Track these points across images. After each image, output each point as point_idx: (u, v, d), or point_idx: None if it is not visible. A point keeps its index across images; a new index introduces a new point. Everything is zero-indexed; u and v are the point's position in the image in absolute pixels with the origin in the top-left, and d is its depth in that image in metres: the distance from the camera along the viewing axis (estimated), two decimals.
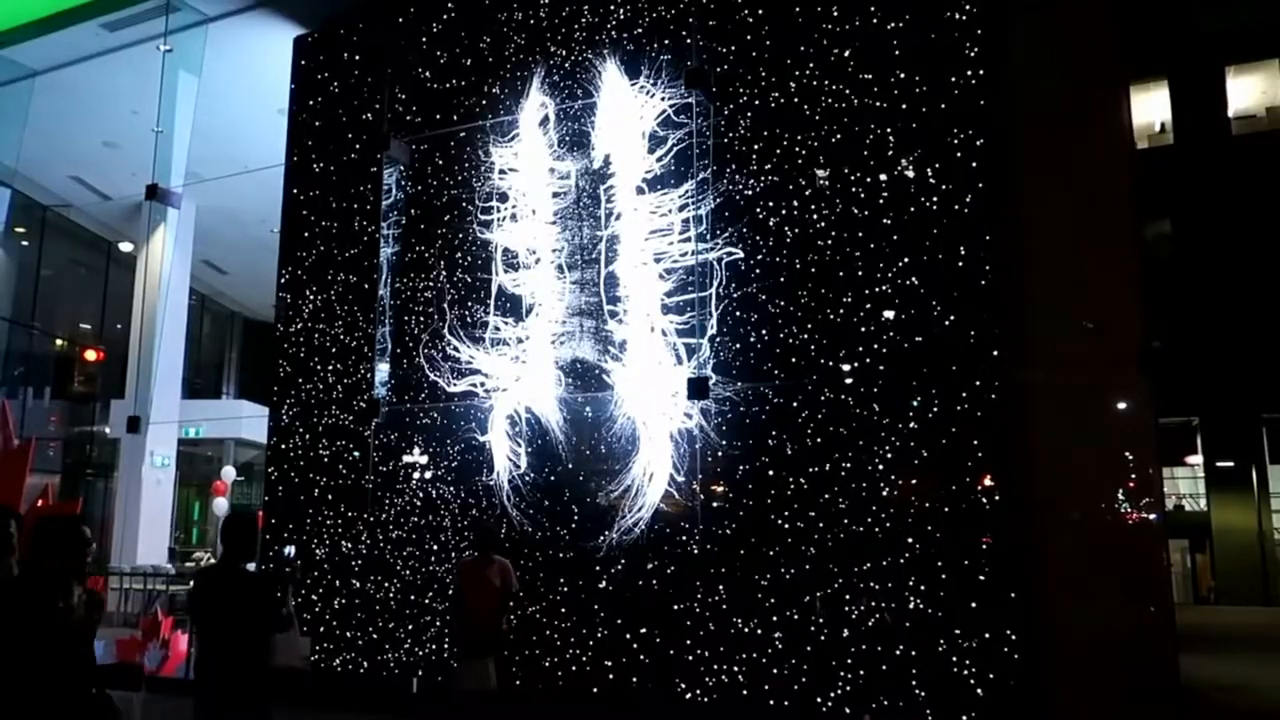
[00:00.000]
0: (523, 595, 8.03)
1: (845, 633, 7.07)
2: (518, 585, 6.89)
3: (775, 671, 7.24)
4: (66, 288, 19.83)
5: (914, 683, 6.81)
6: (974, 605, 6.73)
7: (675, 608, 7.66)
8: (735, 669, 7.37)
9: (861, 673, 6.97)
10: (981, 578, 6.75)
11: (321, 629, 9.07)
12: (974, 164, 7.27)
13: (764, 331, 7.74)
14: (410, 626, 8.74)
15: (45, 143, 13.68)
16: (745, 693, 7.30)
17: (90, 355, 19.73)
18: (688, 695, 7.49)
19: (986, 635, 6.66)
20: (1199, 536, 20.62)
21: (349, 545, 9.16)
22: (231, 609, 4.71)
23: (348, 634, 8.99)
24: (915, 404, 7.16)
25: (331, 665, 8.96)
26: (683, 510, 7.91)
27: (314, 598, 9.20)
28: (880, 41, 7.69)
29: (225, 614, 4.73)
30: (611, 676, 7.81)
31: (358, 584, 9.04)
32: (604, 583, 7.99)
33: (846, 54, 7.79)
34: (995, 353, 7.02)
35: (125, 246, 18.19)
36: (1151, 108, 20.12)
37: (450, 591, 8.09)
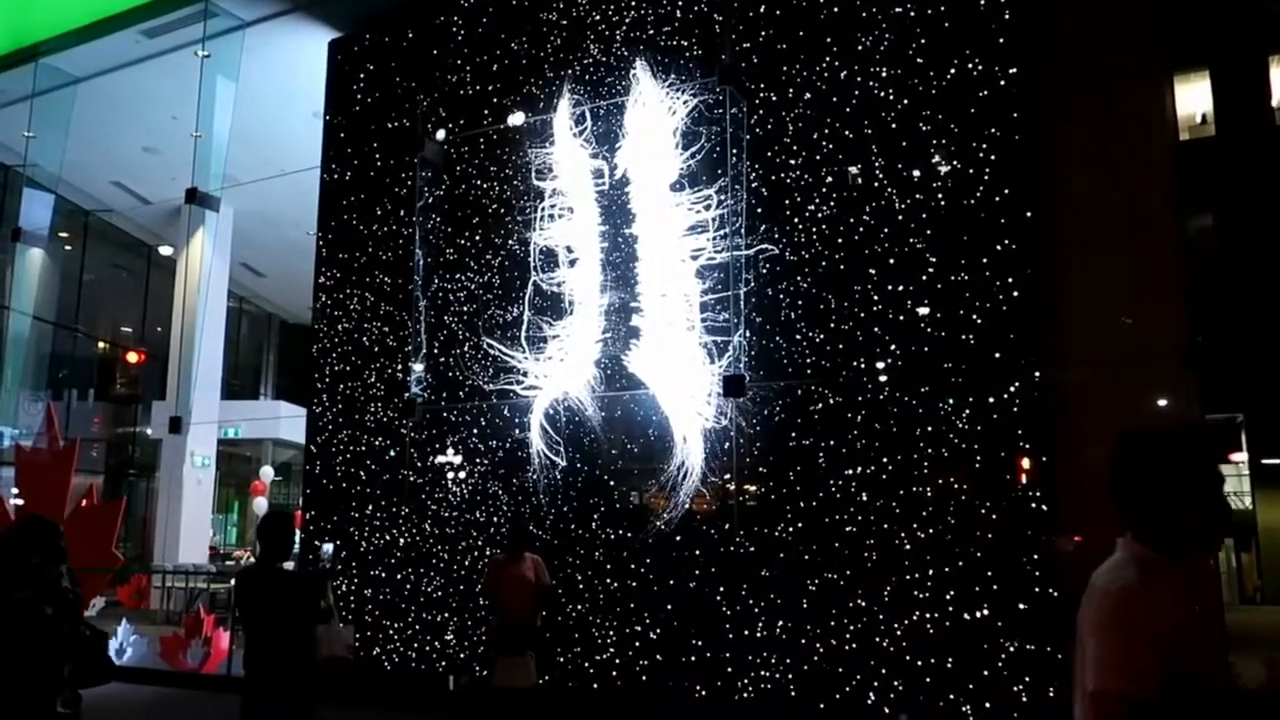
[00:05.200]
0: (560, 592, 8.06)
1: (885, 634, 7.00)
2: (550, 580, 6.89)
3: (814, 672, 7.19)
4: (108, 291, 20.20)
5: (954, 684, 6.73)
6: (1016, 606, 6.64)
7: (713, 607, 7.63)
8: (772, 670, 7.33)
9: (901, 674, 6.91)
10: (1023, 578, 6.65)
11: (368, 620, 9.15)
12: (1013, 157, 7.17)
13: (801, 328, 7.69)
14: (453, 623, 8.79)
15: (87, 148, 13.92)
16: (783, 693, 7.26)
17: (132, 357, 20.08)
18: (700, 694, 7.47)
19: (1028, 636, 6.57)
20: (1244, 535, 20.22)
21: (387, 542, 9.23)
22: (272, 606, 4.79)
23: (389, 630, 9.06)
24: (954, 403, 7.08)
25: (377, 660, 9.03)
26: (719, 509, 7.89)
27: (350, 594, 9.28)
28: (916, 34, 7.61)
29: (266, 611, 4.81)
30: (649, 675, 7.80)
31: (396, 581, 9.11)
32: (641, 581, 7.98)
33: (882, 47, 7.71)
34: (1036, 350, 6.92)
35: (165, 250, 18.49)
36: (1193, 98, 19.75)
37: (479, 589, 8.13)
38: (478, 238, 9.43)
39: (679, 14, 8.61)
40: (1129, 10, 7.47)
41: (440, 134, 9.65)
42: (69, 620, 3.68)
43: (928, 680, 6.81)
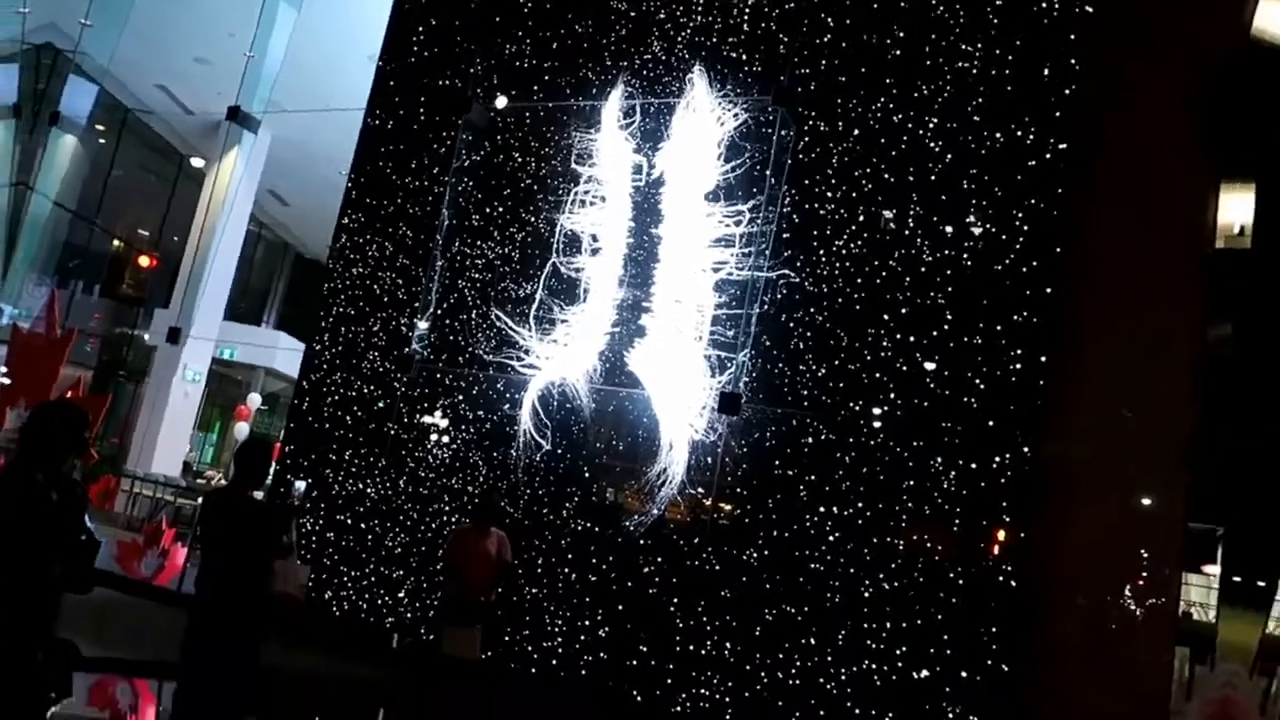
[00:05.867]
0: (519, 572, 8.05)
1: (830, 677, 6.98)
2: (512, 558, 6.88)
3: (754, 700, 7.17)
4: (133, 191, 20.21)
5: None
6: (965, 676, 6.63)
7: (667, 617, 7.61)
8: (713, 690, 7.31)
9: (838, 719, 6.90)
10: (978, 649, 6.63)
11: (326, 563, 9.14)
12: (1047, 232, 7.16)
13: (807, 359, 7.68)
14: (409, 583, 8.78)
15: (140, 47, 13.94)
16: (719, 713, 7.24)
17: (144, 261, 20.10)
18: (637, 699, 7.46)
19: (971, 708, 6.55)
20: (1203, 649, 20.18)
21: (359, 490, 9.22)
22: (235, 532, 4.78)
23: (345, 577, 9.05)
24: (943, 461, 7.06)
25: (327, 604, 9.02)
26: (692, 522, 7.89)
27: (314, 534, 9.28)
28: (976, 90, 7.59)
29: (228, 537, 4.80)
30: (590, 671, 7.79)
31: (360, 530, 9.10)
32: (600, 577, 7.97)
33: (940, 99, 7.69)
34: (1034, 426, 6.90)
35: (197, 162, 18.50)
36: (1234, 209, 19.72)
37: (441, 554, 8.13)
38: (505, 209, 9.42)
39: (745, 28, 8.60)
40: (1184, 113, 7.45)
41: (502, 101, 9.57)
42: (73, 512, 3.64)
43: None
